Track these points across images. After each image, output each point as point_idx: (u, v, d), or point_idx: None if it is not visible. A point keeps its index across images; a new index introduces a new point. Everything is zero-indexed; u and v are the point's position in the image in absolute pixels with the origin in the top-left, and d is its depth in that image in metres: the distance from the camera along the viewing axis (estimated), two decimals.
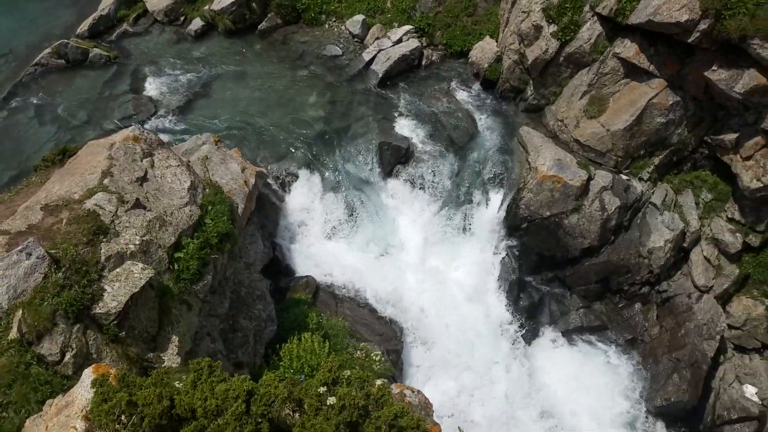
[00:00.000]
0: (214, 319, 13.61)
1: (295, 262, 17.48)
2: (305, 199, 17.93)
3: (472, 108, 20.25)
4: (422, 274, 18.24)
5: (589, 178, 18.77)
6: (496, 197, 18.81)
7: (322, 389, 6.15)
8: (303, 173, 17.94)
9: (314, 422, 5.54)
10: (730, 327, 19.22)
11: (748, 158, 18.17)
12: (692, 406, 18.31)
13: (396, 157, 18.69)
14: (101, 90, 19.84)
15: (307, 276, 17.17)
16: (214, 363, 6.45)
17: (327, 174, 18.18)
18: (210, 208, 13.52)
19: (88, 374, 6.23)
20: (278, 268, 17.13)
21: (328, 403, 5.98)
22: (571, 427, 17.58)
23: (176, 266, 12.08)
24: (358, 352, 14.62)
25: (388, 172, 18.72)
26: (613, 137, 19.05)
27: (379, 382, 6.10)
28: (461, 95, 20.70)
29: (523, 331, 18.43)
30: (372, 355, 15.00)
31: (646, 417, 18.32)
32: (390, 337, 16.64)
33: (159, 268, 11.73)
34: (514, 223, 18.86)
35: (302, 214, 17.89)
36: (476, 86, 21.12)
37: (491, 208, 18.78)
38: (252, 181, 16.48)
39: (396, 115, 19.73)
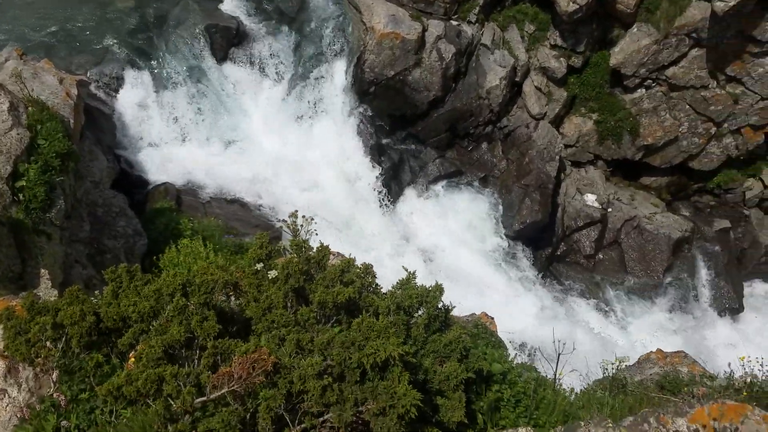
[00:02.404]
0: (78, 244, 12.48)
1: (145, 171, 16.22)
2: (138, 102, 16.38)
3: None
4: (282, 158, 17.81)
5: (424, 30, 18.90)
6: (340, 66, 18.45)
7: (258, 266, 5.89)
8: (129, 74, 16.24)
9: (268, 294, 5.33)
10: (566, 146, 21.15)
11: None
12: (545, 223, 20.28)
13: (228, 40, 17.45)
14: None
15: (163, 183, 16.07)
16: (133, 267, 5.91)
17: (156, 70, 16.61)
18: (39, 127, 11.97)
19: None
20: (129, 181, 15.83)
21: (269, 278, 5.77)
22: (442, 260, 18.71)
23: (22, 197, 10.77)
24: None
25: (222, 58, 17.50)
26: None
27: (315, 245, 5.97)
28: None
29: (390, 191, 18.96)
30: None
31: (508, 241, 20.05)
32: (268, 226, 16.34)
33: (3, 201, 10.39)
34: (362, 89, 18.74)
35: (139, 119, 16.41)
36: None
37: (338, 78, 18.44)
38: (74, 91, 14.65)
39: None
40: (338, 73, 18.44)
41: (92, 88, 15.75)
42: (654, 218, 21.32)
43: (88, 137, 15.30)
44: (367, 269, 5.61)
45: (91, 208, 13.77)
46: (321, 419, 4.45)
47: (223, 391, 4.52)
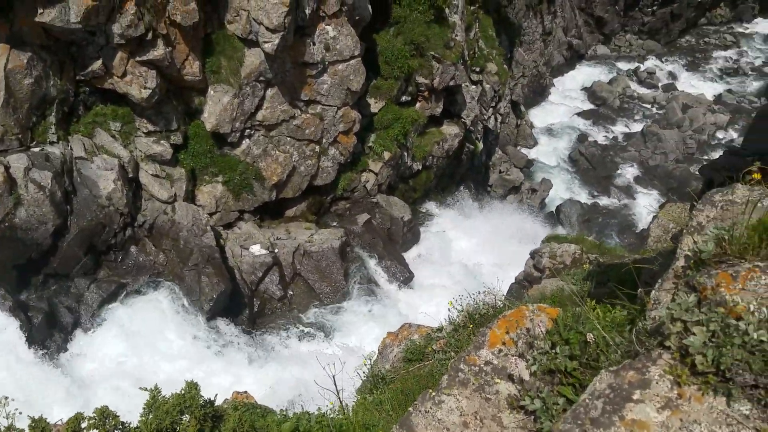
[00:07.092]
0: None
1: None
2: None
3: None
4: None
5: (7, 168, 16.98)
6: None
7: None
8: None
9: None
10: (210, 214, 21.33)
11: (123, 75, 19.12)
12: (231, 290, 20.16)
13: None
14: None
15: None
16: None
17: None
18: None
19: None
20: None
21: None
22: (151, 379, 17.28)
23: None
24: None
25: None
26: None
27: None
28: None
29: (57, 343, 16.64)
30: None
31: (208, 324, 19.41)
32: None
33: None
34: None
35: None
36: None
37: None
38: None
39: None
40: None
41: None
42: (313, 239, 22.95)
43: None
44: (104, 413, 4.88)
45: None
46: None
47: None
